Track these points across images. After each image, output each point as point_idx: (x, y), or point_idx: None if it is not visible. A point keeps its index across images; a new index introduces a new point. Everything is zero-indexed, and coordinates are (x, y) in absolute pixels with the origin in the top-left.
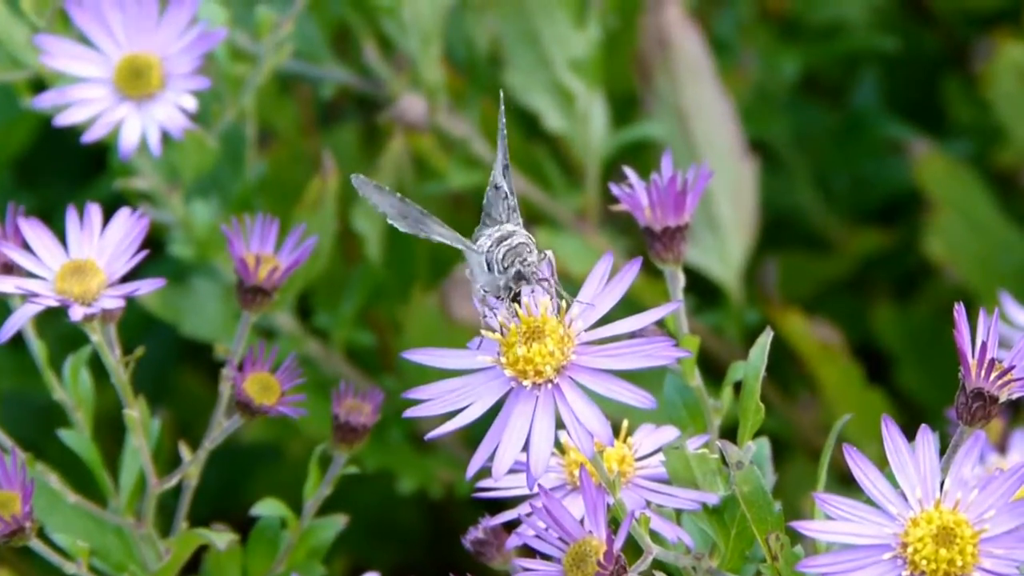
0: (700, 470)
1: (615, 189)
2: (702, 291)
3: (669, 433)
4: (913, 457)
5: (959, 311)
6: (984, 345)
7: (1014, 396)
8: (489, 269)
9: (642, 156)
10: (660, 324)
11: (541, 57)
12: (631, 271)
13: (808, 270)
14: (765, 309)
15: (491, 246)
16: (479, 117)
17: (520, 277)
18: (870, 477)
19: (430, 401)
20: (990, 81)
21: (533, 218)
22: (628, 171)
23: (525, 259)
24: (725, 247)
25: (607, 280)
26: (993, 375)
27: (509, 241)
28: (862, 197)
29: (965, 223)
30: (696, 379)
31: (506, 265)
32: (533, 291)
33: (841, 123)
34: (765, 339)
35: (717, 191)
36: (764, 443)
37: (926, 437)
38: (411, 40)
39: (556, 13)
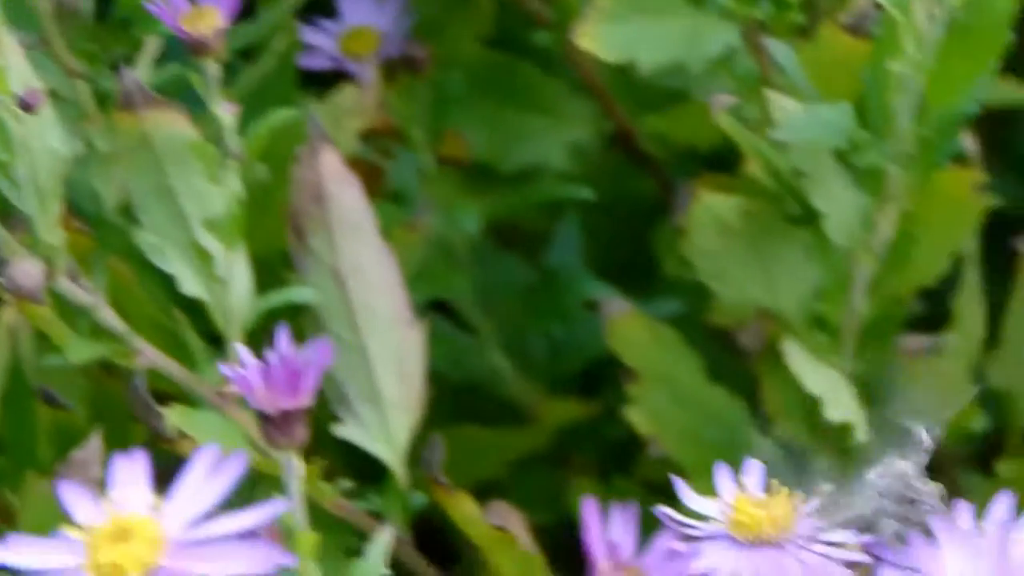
0: None
1: (225, 369)
2: (362, 472)
3: None
4: None
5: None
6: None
7: None
8: None
9: (299, 320)
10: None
11: (176, 214)
12: (238, 462)
13: (499, 443)
14: (432, 492)
15: None
16: (108, 281)
17: None
18: None
19: None
20: (689, 235)
21: (169, 396)
22: (241, 349)
23: None
24: (388, 423)
25: (212, 470)
26: None
27: None
28: (560, 362)
29: (669, 392)
30: None
31: None
32: None
33: (536, 280)
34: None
35: (379, 362)
36: None
37: None
38: (27, 199)
39: (191, 165)
